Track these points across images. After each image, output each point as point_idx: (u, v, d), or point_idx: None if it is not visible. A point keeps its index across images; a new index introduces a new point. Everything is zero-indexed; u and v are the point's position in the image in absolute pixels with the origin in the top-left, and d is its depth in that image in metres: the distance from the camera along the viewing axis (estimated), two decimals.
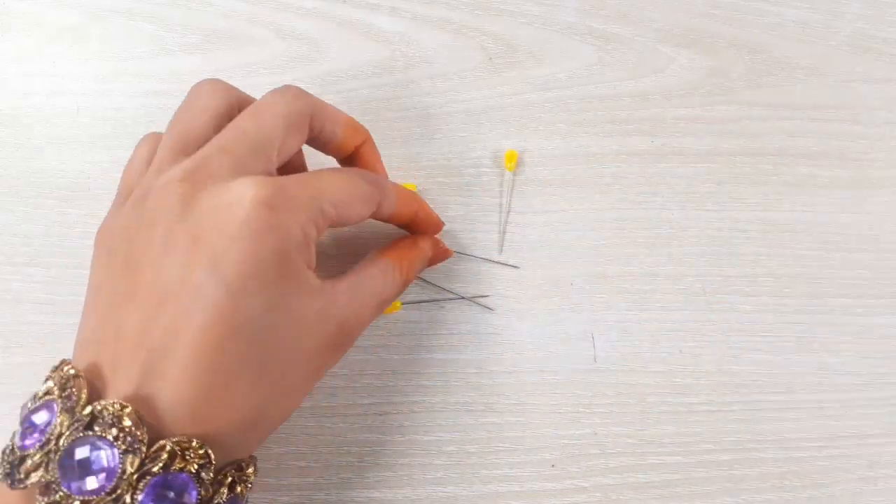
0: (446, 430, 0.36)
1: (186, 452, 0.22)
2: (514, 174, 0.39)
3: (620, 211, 0.39)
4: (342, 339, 0.28)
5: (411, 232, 0.35)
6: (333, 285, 0.27)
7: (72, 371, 0.23)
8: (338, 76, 0.39)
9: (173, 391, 0.22)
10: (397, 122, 0.39)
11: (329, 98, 0.39)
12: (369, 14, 0.40)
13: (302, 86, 0.39)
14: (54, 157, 0.38)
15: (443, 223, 0.36)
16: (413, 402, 0.36)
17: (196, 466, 0.22)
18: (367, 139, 0.33)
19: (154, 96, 0.39)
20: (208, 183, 0.24)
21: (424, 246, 0.34)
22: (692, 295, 0.38)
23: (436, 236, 0.36)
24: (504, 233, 0.38)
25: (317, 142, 0.31)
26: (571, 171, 0.39)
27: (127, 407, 0.22)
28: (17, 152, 0.38)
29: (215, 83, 0.29)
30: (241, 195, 0.23)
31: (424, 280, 0.37)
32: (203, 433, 0.23)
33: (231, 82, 0.39)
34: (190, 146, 0.26)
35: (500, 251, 0.38)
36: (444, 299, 0.37)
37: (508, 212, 0.38)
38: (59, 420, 0.22)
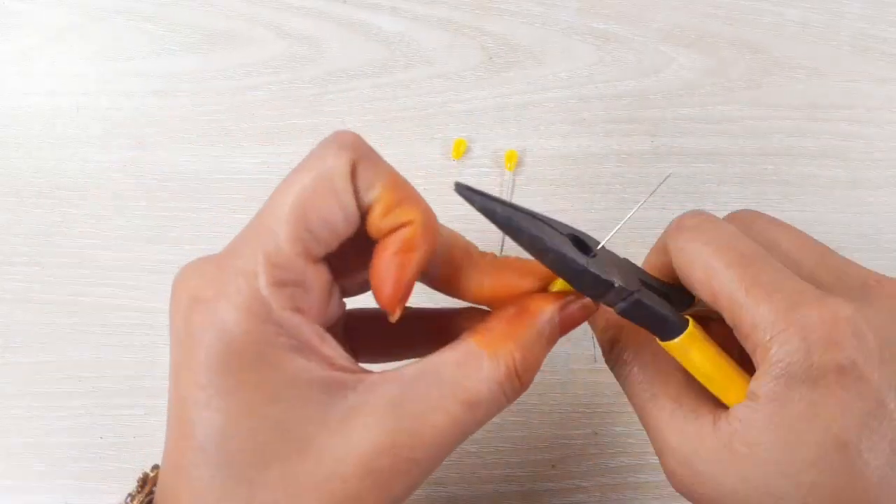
0: None
1: None
2: (514, 174, 0.39)
3: (620, 211, 0.39)
4: (390, 464, 0.19)
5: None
6: (374, 380, 0.20)
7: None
8: (338, 76, 0.39)
9: None
10: (397, 122, 0.39)
11: (329, 98, 0.39)
12: (369, 14, 0.40)
13: (302, 86, 0.39)
14: (54, 157, 0.38)
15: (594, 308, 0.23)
16: None
17: None
18: (417, 223, 0.20)
19: (154, 96, 0.39)
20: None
21: (547, 311, 0.22)
22: None
23: (562, 292, 0.23)
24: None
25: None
26: (571, 171, 0.39)
27: None
28: (17, 152, 0.38)
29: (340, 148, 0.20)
30: (175, 298, 0.19)
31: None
32: None
33: (231, 82, 0.39)
34: None
35: (501, 251, 0.38)
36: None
37: None
38: None
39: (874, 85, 0.41)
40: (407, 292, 0.20)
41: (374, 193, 0.20)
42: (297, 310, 0.19)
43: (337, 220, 0.20)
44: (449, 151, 0.39)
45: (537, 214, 0.21)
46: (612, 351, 0.25)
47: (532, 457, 0.36)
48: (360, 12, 0.40)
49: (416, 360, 0.21)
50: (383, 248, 0.20)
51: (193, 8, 0.40)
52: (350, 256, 0.21)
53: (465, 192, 0.20)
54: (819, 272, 0.22)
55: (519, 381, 0.21)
